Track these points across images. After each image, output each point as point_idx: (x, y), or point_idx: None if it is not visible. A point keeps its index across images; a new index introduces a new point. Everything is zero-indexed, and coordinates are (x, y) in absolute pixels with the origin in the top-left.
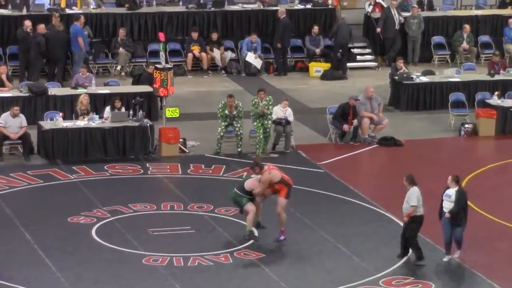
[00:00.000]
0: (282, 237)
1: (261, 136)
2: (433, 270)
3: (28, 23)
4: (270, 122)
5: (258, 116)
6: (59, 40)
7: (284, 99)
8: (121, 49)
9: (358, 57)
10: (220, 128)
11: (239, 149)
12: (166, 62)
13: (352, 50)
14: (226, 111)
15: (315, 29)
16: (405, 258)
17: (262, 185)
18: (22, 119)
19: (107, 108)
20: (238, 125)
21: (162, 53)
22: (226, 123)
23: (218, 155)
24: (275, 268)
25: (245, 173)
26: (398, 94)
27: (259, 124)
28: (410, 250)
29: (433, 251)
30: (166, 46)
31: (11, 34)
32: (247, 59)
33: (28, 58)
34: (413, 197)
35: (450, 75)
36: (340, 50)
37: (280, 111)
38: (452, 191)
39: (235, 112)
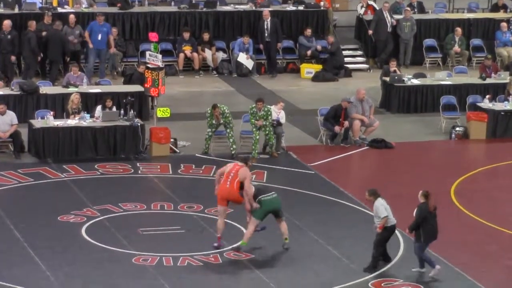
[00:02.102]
0: (215, 244)
1: (257, 137)
2: (422, 273)
3: (7, 23)
4: (269, 128)
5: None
6: (56, 39)
7: (281, 102)
8: (112, 49)
9: (350, 59)
10: (208, 130)
11: (233, 152)
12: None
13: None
14: (213, 121)
15: (308, 31)
16: (394, 261)
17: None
18: (12, 117)
19: (98, 107)
20: (228, 130)
21: (151, 53)
22: (214, 129)
23: (207, 155)
24: (265, 269)
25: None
26: (389, 96)
27: (257, 127)
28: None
29: None
30: (158, 46)
31: None
32: (238, 59)
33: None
34: (381, 208)
35: (442, 78)
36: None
37: (274, 112)
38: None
39: (221, 121)
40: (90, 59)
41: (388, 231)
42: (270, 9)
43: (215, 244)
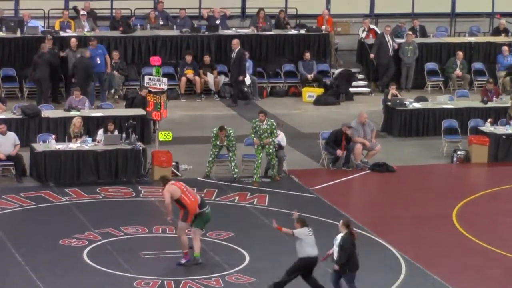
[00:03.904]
0: (183, 261)
1: (259, 161)
2: None
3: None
4: (272, 147)
5: (262, 145)
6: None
7: (276, 124)
8: (114, 72)
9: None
10: (211, 151)
11: (235, 176)
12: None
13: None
14: (218, 142)
15: (307, 55)
16: (397, 282)
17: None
18: (14, 137)
19: (100, 131)
20: (231, 153)
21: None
22: (218, 150)
23: (208, 178)
24: None
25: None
26: (391, 120)
27: (259, 148)
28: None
29: (425, 277)
30: (160, 69)
31: (4, 56)
32: None
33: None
34: (302, 233)
35: (443, 101)
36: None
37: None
38: (339, 236)
39: (225, 143)
40: (91, 84)
41: (303, 262)
42: (271, 33)
43: (183, 261)
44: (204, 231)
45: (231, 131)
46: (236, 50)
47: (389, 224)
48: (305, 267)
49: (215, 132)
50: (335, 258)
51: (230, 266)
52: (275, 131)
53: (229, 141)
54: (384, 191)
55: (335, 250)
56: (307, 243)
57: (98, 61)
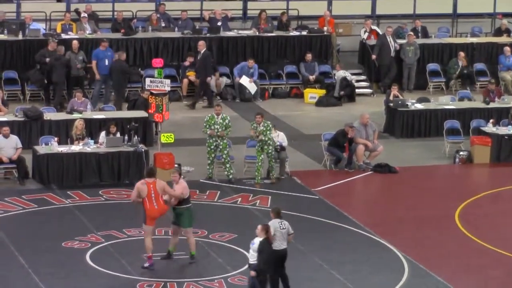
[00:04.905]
0: (146, 264)
1: (260, 163)
2: None
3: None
4: (271, 148)
5: (256, 143)
6: (61, 64)
7: (272, 126)
8: None
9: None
10: (208, 153)
11: (230, 176)
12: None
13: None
14: (208, 131)
15: (308, 56)
16: (400, 283)
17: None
18: (16, 140)
19: (102, 133)
20: (224, 155)
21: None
22: (212, 148)
23: (211, 180)
24: None
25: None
26: (393, 121)
27: (259, 149)
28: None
29: (427, 278)
30: (162, 71)
31: (6, 58)
32: (241, 81)
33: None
34: (272, 225)
35: (445, 102)
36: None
37: (273, 138)
38: (257, 240)
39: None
40: (97, 86)
41: (272, 255)
42: (273, 34)
43: (146, 265)
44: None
45: (227, 117)
46: (202, 52)
47: (391, 225)
48: (275, 260)
49: (208, 117)
50: (251, 262)
51: (233, 268)
52: (268, 132)
53: (225, 126)
54: (386, 192)
55: (252, 254)
56: (276, 236)
57: (106, 64)
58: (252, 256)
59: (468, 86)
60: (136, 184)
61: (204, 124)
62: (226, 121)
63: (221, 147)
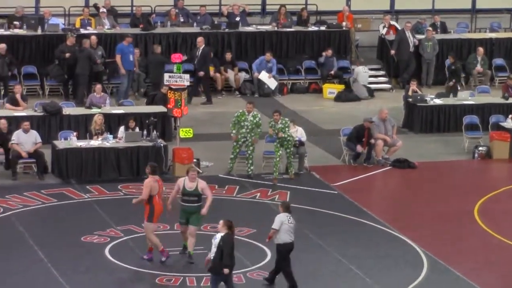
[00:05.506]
0: (163, 258)
1: (278, 159)
2: None
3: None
4: (291, 144)
5: (275, 139)
6: (84, 58)
7: (291, 121)
8: (135, 69)
9: (372, 79)
10: (233, 149)
11: (250, 172)
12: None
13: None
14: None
15: (328, 52)
16: (417, 281)
17: (144, 189)
18: (36, 135)
19: (121, 128)
20: (249, 151)
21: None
22: (240, 143)
23: (229, 175)
24: None
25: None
26: (412, 116)
27: (278, 145)
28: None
29: (446, 273)
30: (181, 66)
31: (25, 54)
32: (260, 77)
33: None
34: (277, 220)
35: (464, 97)
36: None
37: (292, 133)
38: (219, 235)
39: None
40: (124, 82)
41: (280, 248)
42: (292, 29)
43: (163, 259)
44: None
45: (257, 115)
46: (201, 48)
47: (410, 220)
48: (284, 253)
49: (236, 115)
50: (212, 258)
51: (251, 263)
52: (287, 129)
53: (256, 124)
54: (405, 187)
55: (213, 250)
56: (283, 229)
57: (131, 59)
58: (214, 252)
59: (457, 83)
60: (145, 182)
61: (233, 120)
62: (257, 119)
63: (247, 143)
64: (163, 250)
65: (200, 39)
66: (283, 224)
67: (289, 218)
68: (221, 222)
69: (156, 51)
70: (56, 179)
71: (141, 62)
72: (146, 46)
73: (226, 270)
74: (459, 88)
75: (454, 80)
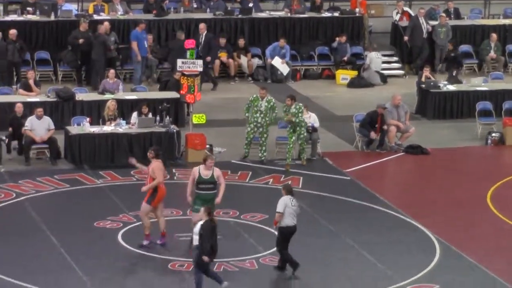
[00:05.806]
0: (145, 242)
1: (291, 145)
2: (459, 280)
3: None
4: (303, 129)
5: (289, 124)
6: (100, 43)
7: (304, 107)
8: (148, 55)
9: (386, 65)
10: (247, 135)
11: (263, 158)
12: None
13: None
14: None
15: (343, 38)
16: (430, 267)
17: (157, 171)
18: (49, 122)
19: (134, 114)
20: (263, 138)
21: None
22: (253, 129)
23: (243, 161)
24: (300, 274)
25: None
26: (425, 102)
27: (291, 131)
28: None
29: (459, 259)
30: (194, 52)
31: (39, 39)
32: (273, 62)
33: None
34: (280, 203)
35: (478, 84)
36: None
37: (305, 119)
38: (199, 224)
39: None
40: (139, 69)
41: (283, 231)
42: (305, 15)
43: (144, 243)
44: None
45: (272, 99)
46: (204, 35)
47: (423, 206)
48: (286, 236)
49: (254, 96)
50: (194, 245)
51: (264, 248)
52: (300, 115)
53: (271, 107)
54: (418, 174)
55: (194, 238)
56: (287, 213)
57: (146, 45)
58: (196, 240)
59: (455, 70)
60: (156, 165)
61: (246, 105)
62: (271, 103)
63: (261, 129)
64: (149, 235)
65: (202, 26)
66: (286, 207)
67: (292, 201)
68: (201, 209)
69: (179, 37)
70: (69, 165)
71: (154, 48)
72: (159, 32)
73: (205, 258)
74: (459, 77)
75: (455, 72)
